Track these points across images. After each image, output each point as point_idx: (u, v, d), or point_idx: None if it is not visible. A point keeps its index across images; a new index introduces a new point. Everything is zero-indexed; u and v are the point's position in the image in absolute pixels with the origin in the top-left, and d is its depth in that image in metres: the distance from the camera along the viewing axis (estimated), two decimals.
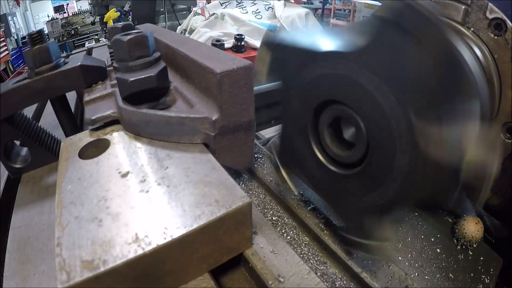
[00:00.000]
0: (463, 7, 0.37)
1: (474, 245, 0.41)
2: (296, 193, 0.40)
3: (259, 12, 1.54)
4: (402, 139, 0.25)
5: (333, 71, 0.29)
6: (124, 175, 0.29)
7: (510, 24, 0.34)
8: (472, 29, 0.37)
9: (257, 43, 1.31)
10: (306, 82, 0.33)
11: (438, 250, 0.40)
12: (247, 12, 1.52)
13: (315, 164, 0.35)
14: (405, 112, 0.24)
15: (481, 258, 0.41)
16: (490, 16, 0.35)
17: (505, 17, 0.34)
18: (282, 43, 0.35)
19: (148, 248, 0.22)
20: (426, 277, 0.36)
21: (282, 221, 0.39)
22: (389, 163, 0.26)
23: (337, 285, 0.32)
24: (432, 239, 0.41)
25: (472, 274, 0.39)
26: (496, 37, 0.35)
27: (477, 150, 0.22)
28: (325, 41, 0.30)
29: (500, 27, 0.35)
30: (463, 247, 0.41)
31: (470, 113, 0.22)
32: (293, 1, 1.54)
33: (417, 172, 0.25)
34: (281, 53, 0.35)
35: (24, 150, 0.42)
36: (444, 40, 0.21)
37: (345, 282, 0.32)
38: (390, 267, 0.32)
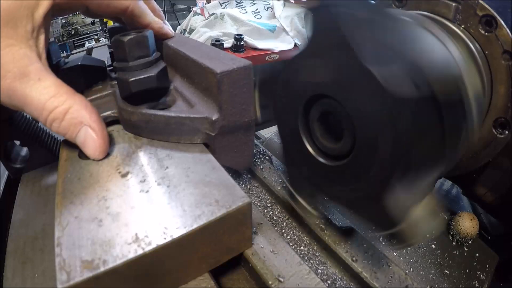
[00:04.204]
0: (454, 4, 0.37)
1: (470, 242, 0.41)
2: (319, 216, 0.36)
3: (259, 12, 1.53)
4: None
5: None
6: (124, 175, 0.29)
7: (501, 20, 0.34)
8: (462, 26, 0.37)
9: (256, 43, 1.31)
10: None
11: (433, 246, 0.40)
12: (246, 12, 1.52)
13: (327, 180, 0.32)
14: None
15: (477, 254, 0.41)
16: (481, 13, 0.35)
17: (495, 14, 0.35)
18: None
19: (148, 248, 0.22)
20: (421, 272, 0.36)
21: (282, 221, 0.39)
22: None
23: (337, 285, 0.32)
24: (427, 235, 0.41)
25: (467, 270, 0.39)
26: (487, 34, 0.35)
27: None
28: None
29: (491, 24, 0.35)
30: (459, 243, 0.41)
31: None
32: (292, 1, 1.54)
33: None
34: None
35: (24, 150, 0.42)
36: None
37: (345, 282, 0.32)
38: (390, 267, 0.32)
